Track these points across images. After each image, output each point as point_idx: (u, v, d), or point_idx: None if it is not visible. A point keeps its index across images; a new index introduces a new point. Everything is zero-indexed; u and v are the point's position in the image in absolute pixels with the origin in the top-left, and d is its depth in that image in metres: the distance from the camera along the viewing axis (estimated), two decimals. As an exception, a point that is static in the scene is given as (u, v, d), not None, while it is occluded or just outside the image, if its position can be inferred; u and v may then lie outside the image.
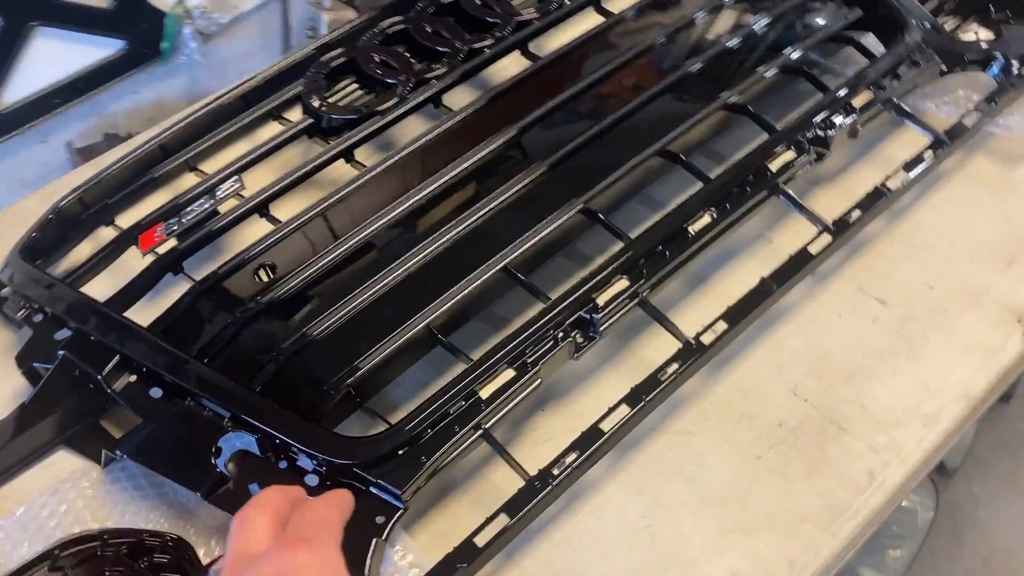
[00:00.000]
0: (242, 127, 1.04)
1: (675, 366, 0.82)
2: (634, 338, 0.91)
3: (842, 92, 0.99)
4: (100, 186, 0.98)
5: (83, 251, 0.97)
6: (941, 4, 1.14)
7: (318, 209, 0.90)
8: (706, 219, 0.89)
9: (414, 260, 0.86)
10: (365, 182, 0.92)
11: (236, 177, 0.95)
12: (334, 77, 1.04)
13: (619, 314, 0.84)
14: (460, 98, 1.04)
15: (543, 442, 0.85)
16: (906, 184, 0.96)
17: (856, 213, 0.93)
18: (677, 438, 0.85)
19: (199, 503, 0.79)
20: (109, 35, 1.77)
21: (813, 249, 0.90)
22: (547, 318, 0.81)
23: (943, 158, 1.00)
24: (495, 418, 0.78)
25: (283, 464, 0.76)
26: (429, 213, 0.91)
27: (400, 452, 0.75)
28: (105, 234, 0.97)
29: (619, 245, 0.91)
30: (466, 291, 0.84)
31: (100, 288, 0.92)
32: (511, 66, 1.07)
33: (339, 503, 0.65)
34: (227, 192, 0.94)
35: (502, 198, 0.90)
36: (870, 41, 1.11)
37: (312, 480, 0.75)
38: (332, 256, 0.86)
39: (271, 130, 1.04)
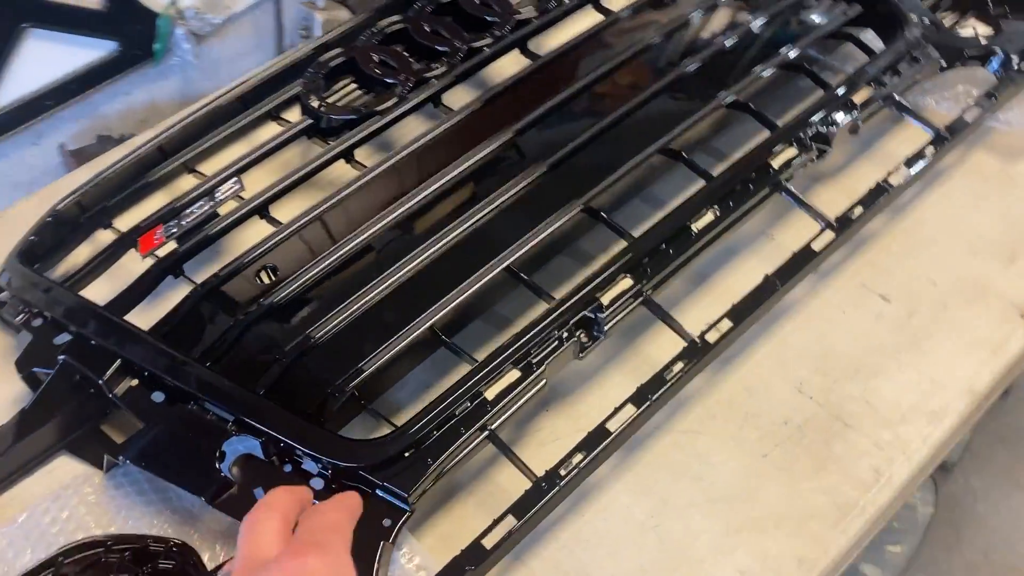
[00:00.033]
0: (240, 128, 1.03)
1: (680, 365, 0.82)
2: (637, 337, 0.91)
3: (843, 89, 0.98)
4: (98, 188, 0.97)
5: (81, 254, 0.96)
6: (939, 0, 1.15)
7: (320, 210, 0.89)
8: (709, 217, 0.89)
9: (417, 261, 0.85)
10: (367, 183, 0.91)
11: (236, 178, 0.94)
12: (332, 77, 1.03)
13: (624, 313, 0.83)
14: (460, 98, 1.03)
15: (549, 442, 0.84)
16: (908, 180, 0.96)
17: (859, 210, 0.92)
18: (683, 437, 0.85)
19: (203, 508, 0.78)
20: (101, 36, 1.76)
21: (816, 246, 0.90)
22: (552, 318, 0.81)
23: (944, 154, 0.99)
24: (501, 419, 0.77)
25: (288, 468, 0.75)
26: (432, 213, 0.90)
27: (406, 454, 0.74)
28: (103, 237, 0.96)
29: (621, 244, 0.91)
30: (470, 292, 0.83)
31: (99, 292, 0.91)
32: (510, 65, 1.06)
33: (348, 506, 0.65)
34: (227, 194, 0.93)
35: (504, 198, 0.90)
36: (868, 37, 1.11)
37: (317, 483, 0.74)
38: (334, 258, 0.86)
39: (269, 131, 1.04)
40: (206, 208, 0.92)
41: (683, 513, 0.80)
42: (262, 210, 0.92)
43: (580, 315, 0.82)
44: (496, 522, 0.73)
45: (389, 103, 0.99)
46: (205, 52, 1.92)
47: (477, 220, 0.88)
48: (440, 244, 0.86)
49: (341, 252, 0.86)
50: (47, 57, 1.69)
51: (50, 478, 0.82)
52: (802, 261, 0.89)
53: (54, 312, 0.85)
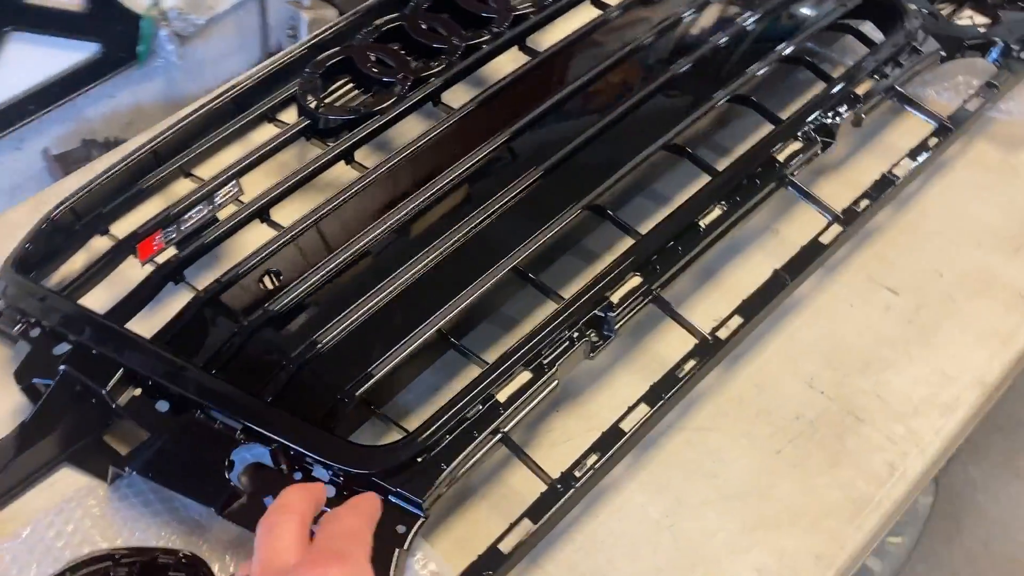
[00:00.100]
0: (236, 130, 1.02)
1: (692, 363, 0.81)
2: (645, 335, 0.90)
3: (846, 81, 0.98)
4: (92, 194, 0.95)
5: (77, 262, 0.95)
6: (936, -10, 1.14)
7: (323, 213, 0.88)
8: (716, 212, 0.88)
9: (424, 263, 0.84)
10: (370, 184, 0.90)
11: (234, 182, 0.93)
12: (329, 77, 1.02)
13: (634, 312, 0.82)
14: (459, 96, 1.02)
15: (560, 443, 0.83)
16: (913, 171, 0.95)
17: (865, 202, 0.92)
18: (695, 435, 0.84)
19: (211, 518, 0.77)
20: (84, 39, 1.74)
21: (824, 239, 0.89)
22: (562, 318, 0.80)
23: (948, 144, 0.99)
24: (514, 422, 0.76)
25: (298, 476, 0.74)
26: (437, 214, 0.89)
27: (419, 459, 0.73)
28: (99, 244, 0.95)
29: (627, 241, 0.90)
30: (478, 293, 0.82)
31: (96, 300, 0.90)
32: (509, 62, 1.05)
33: (367, 511, 0.63)
34: (226, 198, 0.91)
35: (509, 197, 0.88)
36: (866, 28, 1.11)
37: (329, 491, 0.73)
38: (339, 261, 0.84)
39: (265, 132, 1.02)
40: (205, 213, 0.91)
41: (698, 512, 0.79)
42: (262, 213, 0.91)
43: (590, 314, 0.81)
44: (512, 526, 0.72)
45: (388, 103, 0.98)
46: (189, 53, 1.91)
47: (482, 220, 0.87)
48: (447, 245, 0.85)
49: (346, 255, 0.84)
50: (29, 60, 1.67)
51: (53, 491, 0.80)
52: (811, 255, 0.88)
53: (53, 321, 0.83)
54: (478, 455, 0.74)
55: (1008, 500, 1.71)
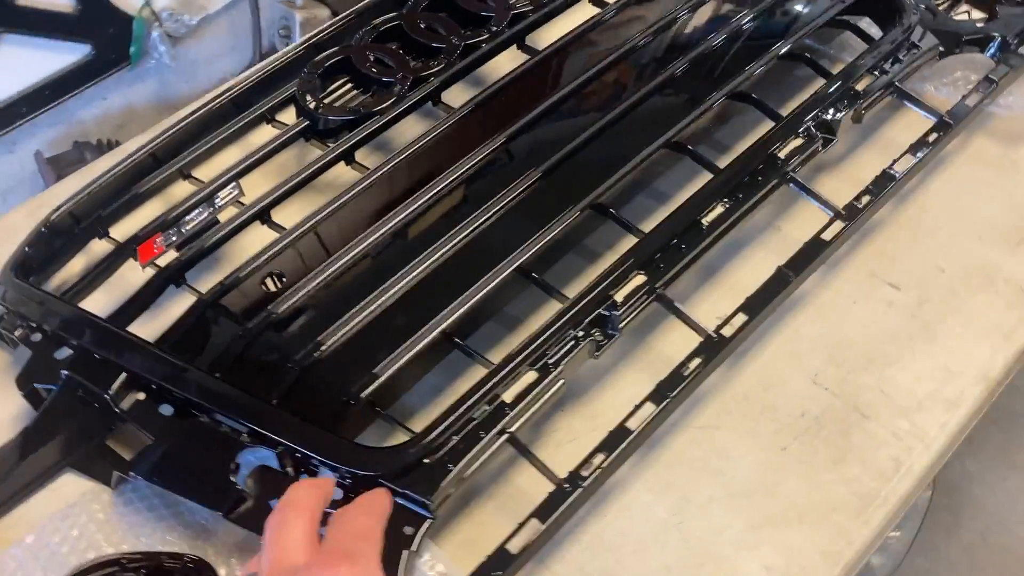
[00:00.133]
0: (234, 131, 1.01)
1: (697, 361, 0.81)
2: (648, 333, 0.90)
3: (846, 77, 0.98)
4: (91, 197, 0.94)
5: (76, 266, 0.94)
6: (934, -15, 1.15)
7: (325, 214, 0.87)
8: (719, 210, 0.88)
9: (427, 263, 0.84)
10: (372, 185, 0.90)
11: (234, 183, 0.92)
12: (328, 77, 1.01)
13: (638, 310, 0.82)
14: (459, 95, 1.02)
15: (566, 443, 0.83)
16: (914, 167, 0.96)
17: (866, 198, 0.92)
18: (700, 433, 0.84)
19: (216, 522, 0.77)
20: (75, 40, 1.73)
21: (827, 236, 0.89)
22: (567, 318, 0.80)
23: (949, 139, 0.99)
24: (520, 421, 0.76)
25: (304, 478, 0.74)
26: (440, 214, 0.89)
27: (426, 460, 0.73)
28: (98, 247, 0.94)
29: (628, 240, 0.90)
30: (483, 293, 0.82)
31: (95, 304, 0.89)
32: (508, 60, 1.05)
33: (378, 510, 0.63)
34: (226, 199, 0.91)
35: (512, 196, 0.88)
36: (864, 24, 1.11)
37: (336, 494, 0.72)
38: (343, 262, 0.84)
39: (264, 133, 1.02)
40: (205, 215, 0.90)
41: (705, 509, 0.79)
42: (263, 215, 0.91)
43: (595, 313, 0.81)
44: (520, 526, 0.72)
45: (388, 103, 0.97)
46: (182, 54, 1.90)
47: (484, 221, 0.87)
48: (450, 245, 0.85)
49: (349, 256, 0.84)
50: (20, 63, 1.66)
51: (57, 496, 0.80)
52: (814, 251, 0.88)
53: (55, 326, 0.82)
54: (485, 455, 0.74)
55: (1004, 493, 1.72)
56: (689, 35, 1.06)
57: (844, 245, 0.94)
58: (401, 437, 0.79)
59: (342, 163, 0.96)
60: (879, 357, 0.88)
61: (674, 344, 0.87)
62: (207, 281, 0.87)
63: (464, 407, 0.75)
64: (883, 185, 0.93)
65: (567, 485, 0.74)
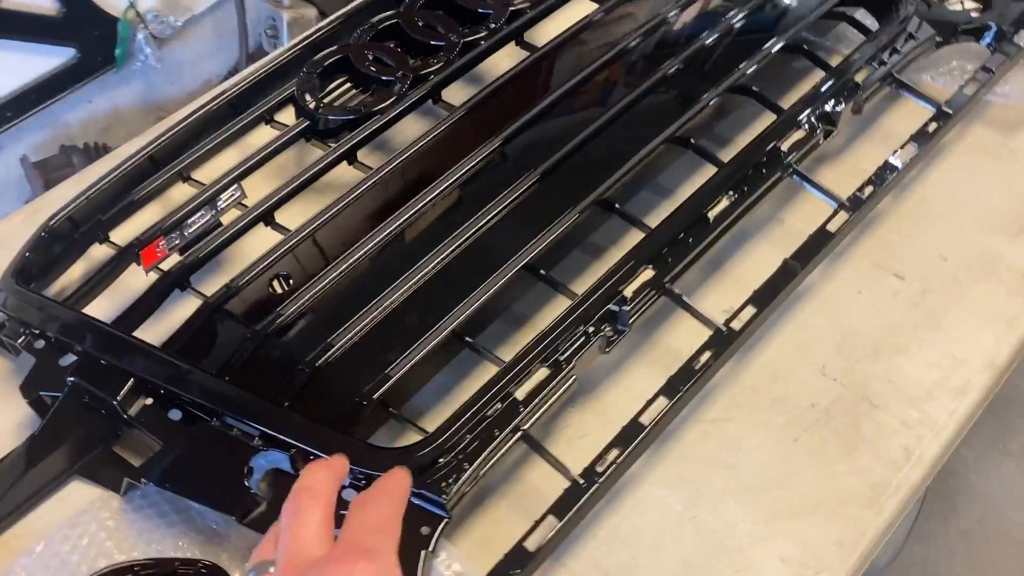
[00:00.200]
0: (233, 133, 1.00)
1: (708, 354, 0.81)
2: (655, 328, 0.90)
3: (845, 68, 0.98)
4: (90, 202, 0.93)
5: (76, 272, 0.93)
6: (926, -24, 1.15)
7: (331, 215, 0.87)
8: (724, 203, 0.88)
9: (435, 262, 0.83)
10: (377, 184, 0.89)
11: (236, 185, 0.91)
12: (326, 77, 1.00)
13: (648, 305, 0.82)
14: (459, 93, 1.01)
15: (577, 439, 0.83)
16: (915, 157, 0.96)
17: (869, 188, 0.92)
18: (711, 427, 0.84)
19: (229, 527, 0.76)
20: (60, 43, 1.71)
21: (831, 227, 0.89)
22: (577, 314, 0.79)
23: (948, 129, 1.00)
24: (533, 419, 0.76)
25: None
26: (447, 212, 0.88)
27: (440, 460, 0.72)
28: (98, 252, 0.93)
29: (631, 235, 0.90)
30: (492, 291, 0.82)
31: (98, 309, 0.88)
32: (507, 57, 1.05)
33: (398, 495, 0.60)
34: (228, 202, 0.90)
35: (517, 194, 0.88)
36: (858, 14, 1.11)
37: (350, 495, 0.72)
38: (349, 263, 0.83)
39: (262, 134, 1.01)
40: (208, 217, 0.89)
41: (719, 503, 0.79)
42: (267, 217, 0.90)
43: (604, 309, 0.81)
44: (537, 524, 0.72)
45: (388, 102, 0.97)
46: (167, 55, 1.89)
47: (490, 219, 0.86)
48: (457, 244, 0.84)
49: (357, 257, 0.83)
50: (4, 67, 1.64)
51: (65, 505, 0.79)
52: (819, 243, 0.88)
53: (59, 332, 0.81)
54: (500, 453, 0.74)
55: (999, 479, 1.73)
56: (687, 29, 1.06)
57: (847, 237, 0.94)
58: (412, 437, 0.79)
59: (343, 163, 0.95)
60: (886, 347, 0.89)
61: (682, 338, 0.87)
62: (211, 284, 0.87)
63: (477, 405, 0.74)
64: (886, 175, 0.94)
65: (582, 481, 0.74)
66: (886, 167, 0.94)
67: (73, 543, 0.76)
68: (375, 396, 0.77)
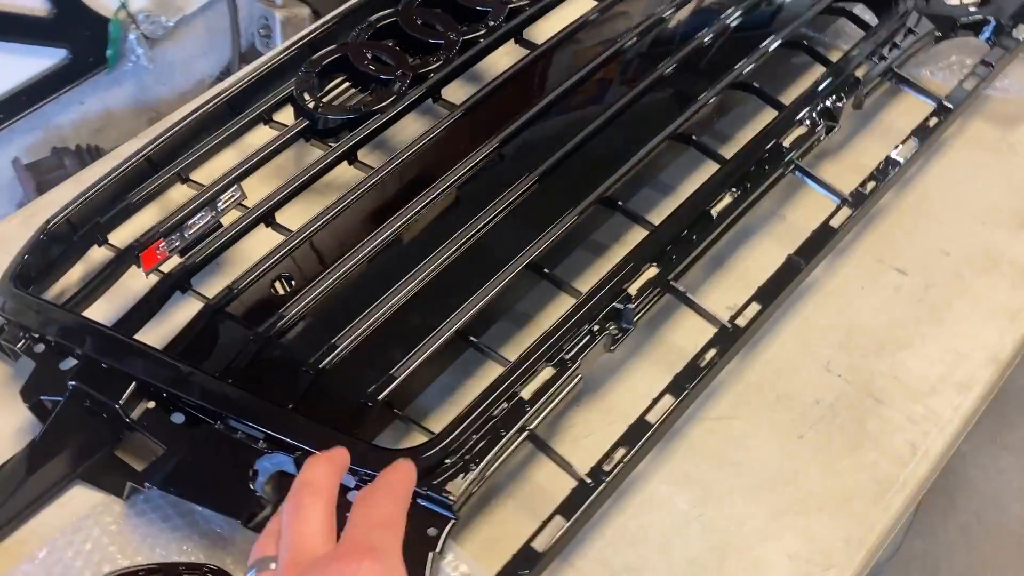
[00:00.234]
0: (231, 133, 0.99)
1: (713, 351, 0.80)
2: (658, 326, 0.90)
3: (845, 64, 0.98)
4: (88, 204, 0.92)
5: (75, 274, 0.92)
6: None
7: (332, 215, 0.86)
8: (727, 200, 0.88)
9: (438, 262, 0.83)
10: (378, 184, 0.89)
11: (236, 186, 0.91)
12: (325, 76, 1.00)
13: (652, 302, 0.82)
14: (459, 91, 1.01)
15: (583, 438, 0.83)
16: (916, 152, 0.96)
17: (872, 184, 0.92)
18: (717, 424, 0.84)
19: (233, 530, 0.76)
20: (51, 44, 1.71)
21: (834, 223, 0.89)
22: (582, 312, 0.79)
23: (949, 123, 1.00)
24: (539, 418, 0.75)
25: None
26: (450, 212, 0.88)
27: (447, 460, 0.72)
28: (97, 255, 0.92)
29: (634, 233, 0.90)
30: (495, 290, 0.81)
31: (98, 312, 0.88)
32: (506, 55, 1.04)
33: (403, 489, 0.59)
34: (228, 203, 0.90)
35: (519, 193, 0.87)
36: (857, 9, 1.11)
37: (351, 496, 0.72)
38: (352, 263, 0.83)
39: (261, 134, 1.00)
40: (208, 219, 0.88)
41: (725, 500, 0.79)
42: (268, 217, 0.89)
43: (609, 307, 0.80)
44: (544, 524, 0.72)
45: (388, 101, 0.96)
46: (159, 56, 1.88)
47: (493, 218, 0.86)
48: (461, 243, 0.84)
49: (360, 257, 0.83)
50: (-6, 69, 1.63)
51: (66, 510, 0.78)
52: (823, 239, 0.88)
53: (59, 336, 0.81)
54: (507, 453, 0.73)
55: (997, 473, 1.74)
56: (690, 26, 1.06)
57: (849, 232, 0.94)
58: (418, 438, 0.79)
59: (344, 163, 0.94)
60: (889, 342, 0.89)
61: (686, 336, 0.87)
62: (212, 286, 0.86)
63: (483, 405, 0.74)
64: (888, 171, 0.93)
65: (589, 480, 0.73)
66: (888, 162, 0.94)
67: (76, 548, 0.76)
68: (380, 397, 0.76)
